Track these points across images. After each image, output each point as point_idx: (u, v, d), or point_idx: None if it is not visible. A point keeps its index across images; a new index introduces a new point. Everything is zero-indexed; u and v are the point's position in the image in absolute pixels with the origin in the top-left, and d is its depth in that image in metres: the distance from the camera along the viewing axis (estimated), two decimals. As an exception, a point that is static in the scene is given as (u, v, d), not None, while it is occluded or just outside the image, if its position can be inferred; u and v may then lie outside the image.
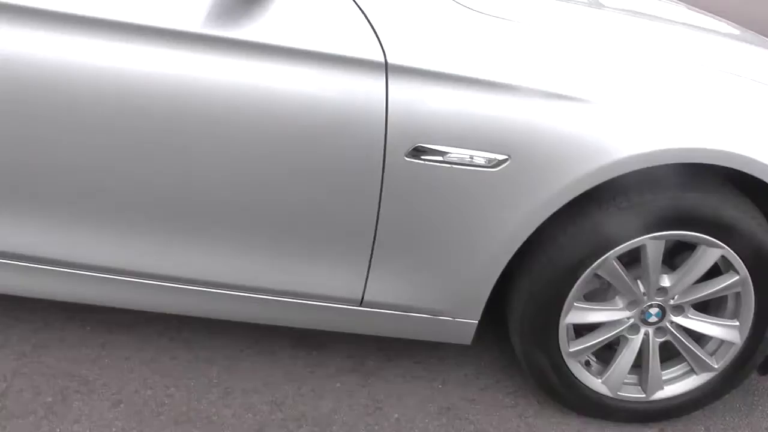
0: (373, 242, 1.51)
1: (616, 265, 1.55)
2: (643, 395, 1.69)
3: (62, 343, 1.80)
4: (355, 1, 1.38)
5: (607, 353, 1.71)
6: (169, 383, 1.69)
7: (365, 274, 1.55)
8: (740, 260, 1.55)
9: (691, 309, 1.64)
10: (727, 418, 1.75)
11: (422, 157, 1.42)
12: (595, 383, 1.68)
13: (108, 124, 1.43)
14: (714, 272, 1.61)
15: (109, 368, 1.72)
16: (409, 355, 1.85)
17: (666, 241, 1.53)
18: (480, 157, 1.43)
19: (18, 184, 1.52)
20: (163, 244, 1.53)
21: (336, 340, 1.88)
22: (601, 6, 1.74)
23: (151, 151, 1.44)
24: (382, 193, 1.46)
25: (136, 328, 1.88)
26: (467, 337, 1.64)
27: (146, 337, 1.85)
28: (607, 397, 1.69)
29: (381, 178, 1.44)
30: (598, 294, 1.66)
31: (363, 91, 1.39)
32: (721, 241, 1.54)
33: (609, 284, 1.63)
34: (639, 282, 1.59)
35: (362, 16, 1.38)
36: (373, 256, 1.53)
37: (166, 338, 1.84)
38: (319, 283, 1.56)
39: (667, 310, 1.63)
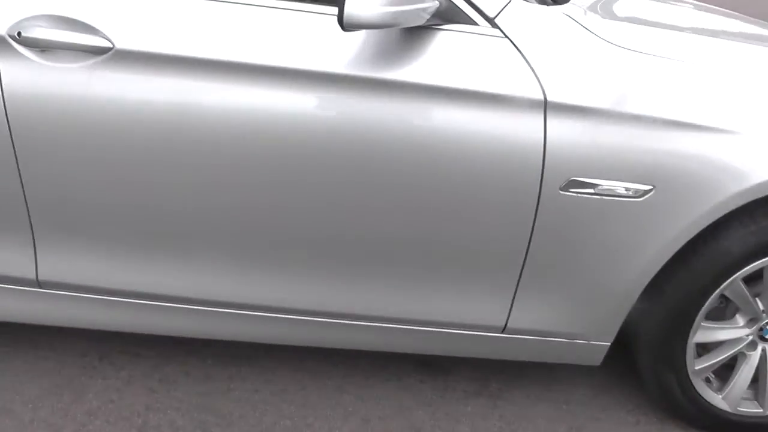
0: (521, 272, 1.56)
1: (742, 285, 1.63)
2: (761, 410, 1.77)
3: (188, 377, 1.81)
4: (512, 42, 1.44)
5: (722, 370, 1.79)
6: (306, 413, 1.71)
7: (510, 302, 1.60)
8: None
9: (805, 325, 1.74)
10: (832, 428, 1.85)
11: (575, 189, 1.48)
12: (716, 399, 1.75)
13: (274, 170, 1.46)
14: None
15: (241, 401, 1.74)
16: (528, 376, 1.90)
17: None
18: (627, 188, 1.49)
19: (150, 226, 1.54)
20: (326, 281, 1.57)
21: (457, 363, 1.92)
22: (717, 33, 1.83)
23: (305, 189, 1.48)
24: (535, 225, 1.51)
25: (258, 359, 1.89)
26: (598, 359, 1.70)
27: (271, 368, 1.86)
28: (728, 412, 1.76)
29: (535, 211, 1.50)
30: (716, 313, 1.74)
31: (523, 128, 1.45)
32: (839, 262, 1.63)
33: (727, 303, 1.71)
34: (758, 300, 1.68)
35: (520, 56, 1.44)
36: (520, 284, 1.58)
37: (290, 368, 1.86)
38: (464, 312, 1.61)
39: (783, 326, 1.72)
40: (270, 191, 1.48)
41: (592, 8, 1.71)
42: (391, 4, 1.27)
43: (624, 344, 1.75)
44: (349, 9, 1.25)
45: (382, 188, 1.48)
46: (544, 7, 1.54)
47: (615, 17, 1.69)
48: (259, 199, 1.49)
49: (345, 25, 1.27)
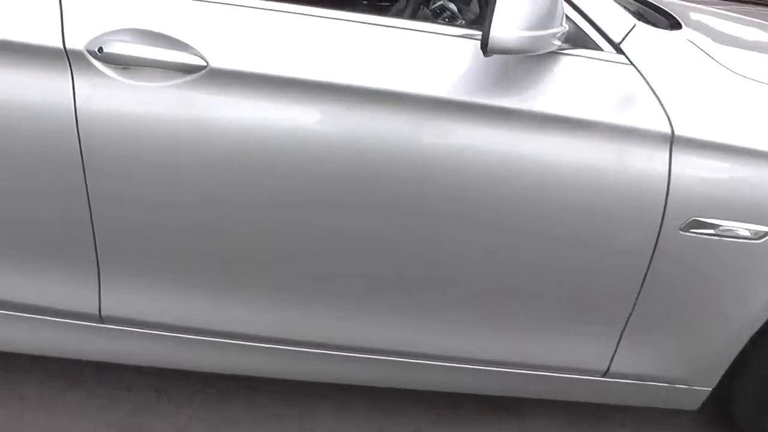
0: (630, 314, 1.46)
1: None
2: None
3: (253, 415, 1.67)
4: (638, 70, 1.33)
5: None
6: (385, 458, 1.60)
7: (615, 345, 1.49)
8: None
9: None
10: None
11: (695, 230, 1.37)
12: (815, 449, 1.68)
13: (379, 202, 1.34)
14: None
15: (316, 442, 1.62)
16: (612, 417, 1.79)
17: None
18: (748, 229, 1.39)
19: (229, 262, 1.41)
20: (425, 323, 1.45)
21: (534, 405, 1.79)
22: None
23: (418, 221, 1.35)
24: (650, 267, 1.40)
25: (330, 396, 1.75)
26: (696, 404, 1.60)
27: (342, 406, 1.73)
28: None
29: (652, 252, 1.39)
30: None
31: (646, 163, 1.33)
32: None
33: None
34: None
35: (646, 85, 1.33)
36: (627, 327, 1.47)
37: (366, 407, 1.73)
38: (566, 355, 1.50)
39: None
40: (380, 224, 1.35)
41: (704, 33, 1.61)
42: (530, 29, 1.15)
43: (717, 388, 1.66)
44: (494, 33, 1.13)
45: (491, 224, 1.36)
46: (669, 32, 1.43)
47: (728, 43, 1.60)
48: (367, 234, 1.36)
49: (489, 49, 1.15)
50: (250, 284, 1.43)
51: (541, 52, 1.23)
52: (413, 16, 1.56)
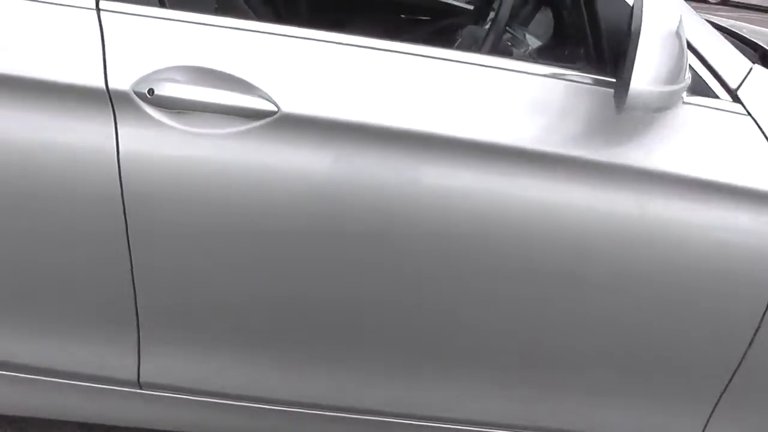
0: (726, 386, 1.33)
1: None
2: None
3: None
4: (756, 122, 1.17)
5: None
6: None
7: (708, 414, 1.36)
8: None
9: None
10: None
11: (806, 292, 1.25)
12: None
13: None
14: None
15: None
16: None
17: None
18: None
19: (289, 330, 1.25)
20: (506, 392, 1.31)
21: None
22: None
23: (501, 291, 1.21)
24: (756, 335, 1.27)
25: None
26: (783, 474, 1.50)
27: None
28: None
29: (760, 320, 1.26)
30: None
31: (759, 226, 1.19)
32: None
33: None
34: None
35: (765, 140, 1.18)
36: (723, 396, 1.34)
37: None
38: (654, 427, 1.37)
39: None
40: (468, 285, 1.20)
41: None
42: (667, 84, 0.99)
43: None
44: (636, 86, 0.97)
45: (598, 287, 1.21)
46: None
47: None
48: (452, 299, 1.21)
49: (627, 105, 0.99)
50: (307, 354, 1.27)
51: (671, 108, 1.08)
52: (494, 48, 1.39)
